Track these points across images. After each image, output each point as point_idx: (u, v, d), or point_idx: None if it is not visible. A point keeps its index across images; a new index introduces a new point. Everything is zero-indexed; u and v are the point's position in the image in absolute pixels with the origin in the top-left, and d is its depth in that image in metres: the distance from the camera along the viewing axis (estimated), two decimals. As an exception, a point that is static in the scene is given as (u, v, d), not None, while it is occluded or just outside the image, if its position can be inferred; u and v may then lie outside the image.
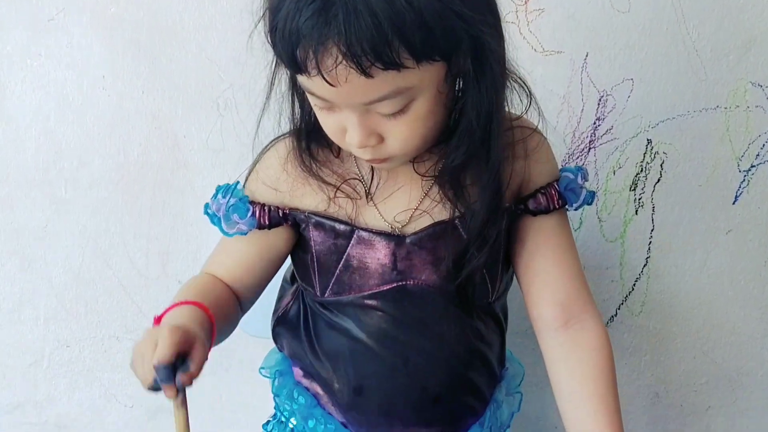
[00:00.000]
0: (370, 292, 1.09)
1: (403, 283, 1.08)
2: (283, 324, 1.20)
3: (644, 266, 1.64)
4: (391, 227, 1.07)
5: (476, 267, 1.06)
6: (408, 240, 1.07)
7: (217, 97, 1.54)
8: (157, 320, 1.00)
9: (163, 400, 1.71)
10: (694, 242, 1.63)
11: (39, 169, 1.60)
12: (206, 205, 1.12)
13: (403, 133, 0.95)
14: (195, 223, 1.63)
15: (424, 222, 1.07)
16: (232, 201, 1.09)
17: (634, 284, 1.65)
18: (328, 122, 0.98)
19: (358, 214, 1.07)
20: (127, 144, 1.58)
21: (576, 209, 1.11)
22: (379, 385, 1.11)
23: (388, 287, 1.09)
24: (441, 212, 1.07)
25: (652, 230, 1.62)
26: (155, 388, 0.90)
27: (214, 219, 1.11)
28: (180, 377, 0.89)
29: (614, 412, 1.06)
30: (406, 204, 1.07)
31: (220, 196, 1.10)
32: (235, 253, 1.13)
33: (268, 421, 1.26)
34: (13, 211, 1.62)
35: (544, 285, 1.10)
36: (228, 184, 1.11)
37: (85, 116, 1.56)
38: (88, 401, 1.74)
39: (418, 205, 1.07)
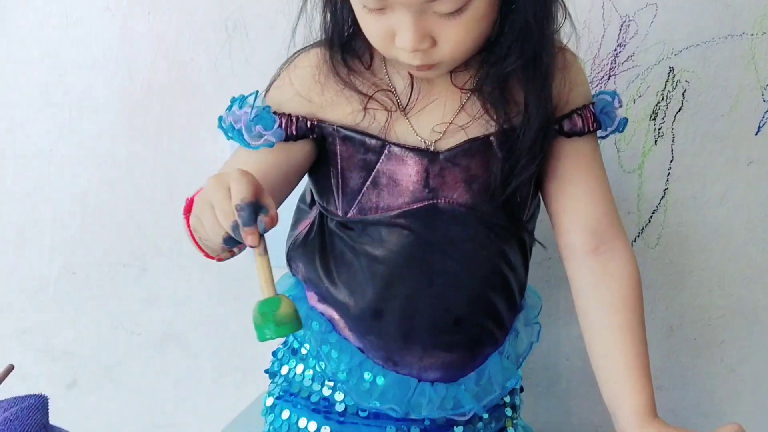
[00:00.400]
0: (398, 211, 1.06)
1: (434, 201, 1.05)
2: (298, 248, 1.17)
3: (662, 198, 1.61)
4: (425, 143, 1.04)
5: (518, 186, 1.04)
6: (441, 156, 1.04)
7: (225, 19, 1.50)
8: (190, 203, 0.96)
9: (171, 327, 1.73)
10: (713, 174, 1.60)
11: (43, 92, 1.56)
12: (220, 119, 1.07)
13: (458, 34, 0.93)
14: (202, 148, 1.60)
15: (459, 138, 1.04)
16: (254, 112, 1.04)
17: (651, 216, 1.63)
18: (375, 27, 0.95)
19: (390, 129, 1.04)
20: (133, 67, 1.54)
21: (609, 134, 1.10)
22: (401, 308, 1.09)
23: (418, 206, 1.06)
24: (476, 128, 1.04)
25: (671, 161, 1.59)
26: (230, 241, 0.83)
27: (233, 132, 1.05)
28: (262, 219, 0.80)
29: (641, 342, 1.05)
30: (441, 117, 1.04)
31: (236, 107, 1.05)
32: (251, 167, 1.06)
33: (279, 348, 1.24)
34: (17, 136, 1.59)
35: (575, 211, 1.08)
36: (243, 95, 1.06)
37: (89, 38, 1.52)
38: (94, 328, 1.73)
39: (453, 119, 1.04)
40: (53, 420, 1.01)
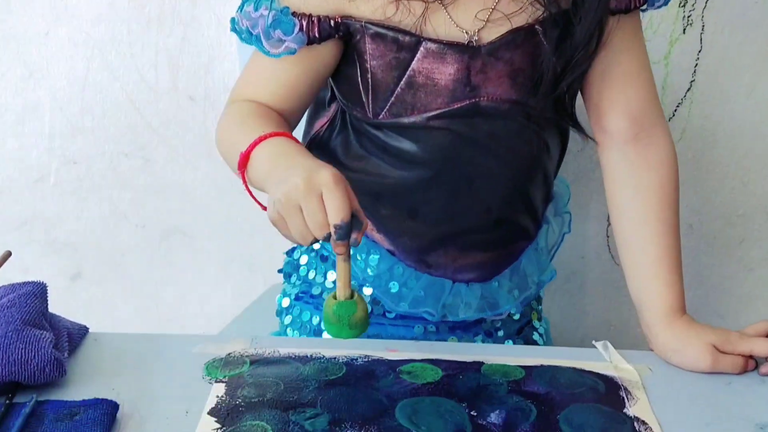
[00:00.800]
0: (437, 111, 1.00)
1: (476, 100, 0.99)
2: (318, 147, 1.11)
3: (688, 90, 1.56)
4: (466, 34, 0.97)
5: (576, 76, 0.99)
6: (483, 50, 0.97)
7: None
8: (245, 156, 0.91)
9: (176, 220, 1.69)
10: (743, 66, 1.54)
11: (37, -31, 1.49)
12: (233, 21, 0.99)
13: None
14: (207, 33, 1.54)
15: (502, 29, 0.97)
16: (272, 15, 0.96)
17: (676, 109, 1.58)
18: None
19: (427, 21, 0.96)
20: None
21: (656, 7, 1.03)
22: (439, 209, 1.04)
23: (458, 105, 0.99)
24: (520, 17, 0.97)
25: (699, 51, 1.53)
26: (313, 242, 0.85)
27: (250, 38, 0.98)
28: (356, 237, 0.83)
29: (674, 235, 1.02)
30: (482, 3, 0.96)
31: (250, 9, 0.97)
32: (276, 75, 1.01)
33: (294, 248, 1.19)
34: (11, 16, 1.53)
35: (617, 94, 1.03)
36: None
37: None
38: (97, 220, 1.70)
39: (495, 5, 0.97)
40: (58, 312, 0.98)
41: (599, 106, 1.05)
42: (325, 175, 0.81)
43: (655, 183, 1.03)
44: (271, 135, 0.91)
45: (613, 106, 1.04)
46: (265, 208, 0.90)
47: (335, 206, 0.80)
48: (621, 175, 1.05)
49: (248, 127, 0.94)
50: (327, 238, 0.82)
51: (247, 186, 0.93)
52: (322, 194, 0.81)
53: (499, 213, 1.05)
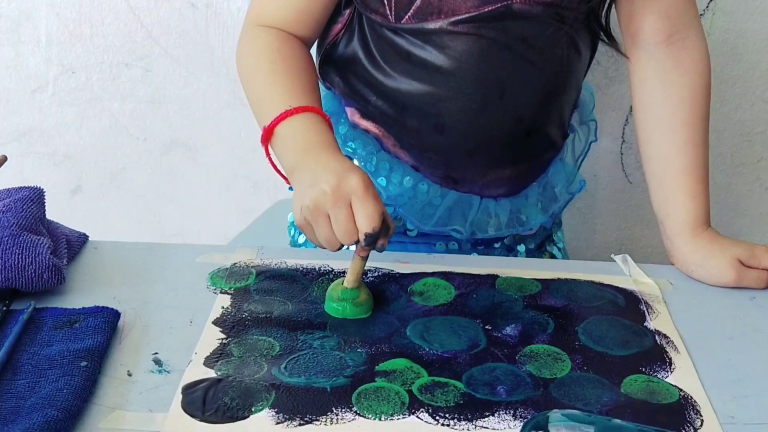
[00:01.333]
0: (466, 15, 0.94)
1: (508, 2, 0.94)
2: (333, 57, 1.05)
3: (710, 1, 1.49)
4: None
5: None
6: None
7: None
8: (269, 131, 0.89)
9: (178, 133, 1.65)
10: (768, -25, 1.47)
11: None
12: None
13: None
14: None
15: None
16: None
17: (697, 21, 1.51)
18: None
19: None
20: None
21: None
22: (467, 121, 0.99)
23: (489, 8, 0.94)
24: None
25: (723, -40, 1.46)
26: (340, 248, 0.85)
27: None
28: (382, 245, 0.82)
29: (703, 145, 0.99)
30: None
31: None
32: (296, 8, 0.98)
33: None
34: None
35: None
36: None
37: None
38: (98, 132, 1.65)
39: None
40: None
41: (629, 4, 1.00)
42: (355, 181, 0.79)
43: (687, 88, 0.99)
44: (296, 111, 0.88)
45: (647, 5, 0.99)
46: (290, 183, 0.88)
47: (365, 215, 0.79)
48: (651, 79, 1.00)
49: (275, 85, 0.92)
50: (354, 243, 0.81)
51: (270, 160, 0.92)
52: (351, 201, 0.79)
53: (530, 123, 1.01)
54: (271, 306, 0.86)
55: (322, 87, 1.09)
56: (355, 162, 1.04)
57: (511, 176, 1.04)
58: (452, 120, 0.99)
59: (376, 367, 0.78)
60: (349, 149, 1.04)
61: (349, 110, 1.05)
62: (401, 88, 0.99)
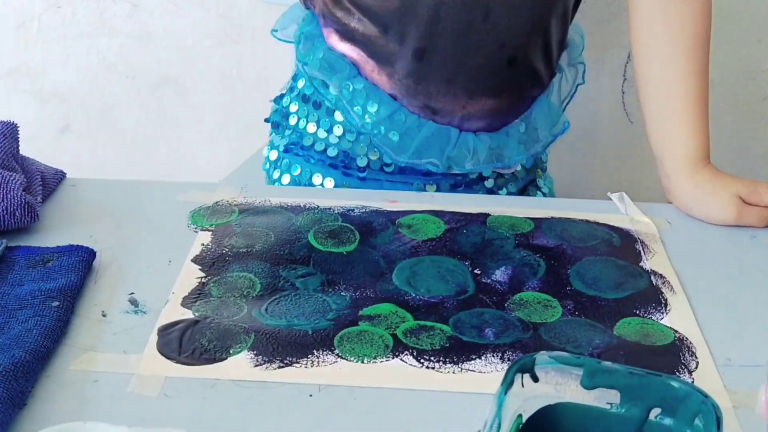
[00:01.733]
0: None
1: None
2: None
3: (716, -69, 1.43)
4: None
5: None
6: None
7: None
8: None
9: (168, 70, 1.61)
10: None
11: None
12: None
13: None
14: None
15: None
16: None
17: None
18: None
19: None
20: None
21: None
22: (449, 45, 0.96)
23: None
24: None
25: None
26: None
27: None
28: None
29: (703, 77, 0.97)
30: None
31: None
32: None
33: (282, 95, 1.10)
34: None
35: None
36: None
37: None
38: (85, 69, 1.62)
39: None
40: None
41: None
42: None
43: (687, 17, 0.95)
44: None
45: None
46: None
47: None
48: (650, 7, 0.96)
49: None
50: None
51: None
52: None
53: (515, 50, 0.97)
54: (253, 239, 0.84)
55: (301, 7, 1.06)
56: (331, 90, 1.01)
57: (492, 109, 1.00)
58: (433, 44, 0.95)
59: (360, 311, 0.75)
60: (327, 72, 1.00)
61: (327, 31, 1.02)
62: (379, 9, 0.96)
